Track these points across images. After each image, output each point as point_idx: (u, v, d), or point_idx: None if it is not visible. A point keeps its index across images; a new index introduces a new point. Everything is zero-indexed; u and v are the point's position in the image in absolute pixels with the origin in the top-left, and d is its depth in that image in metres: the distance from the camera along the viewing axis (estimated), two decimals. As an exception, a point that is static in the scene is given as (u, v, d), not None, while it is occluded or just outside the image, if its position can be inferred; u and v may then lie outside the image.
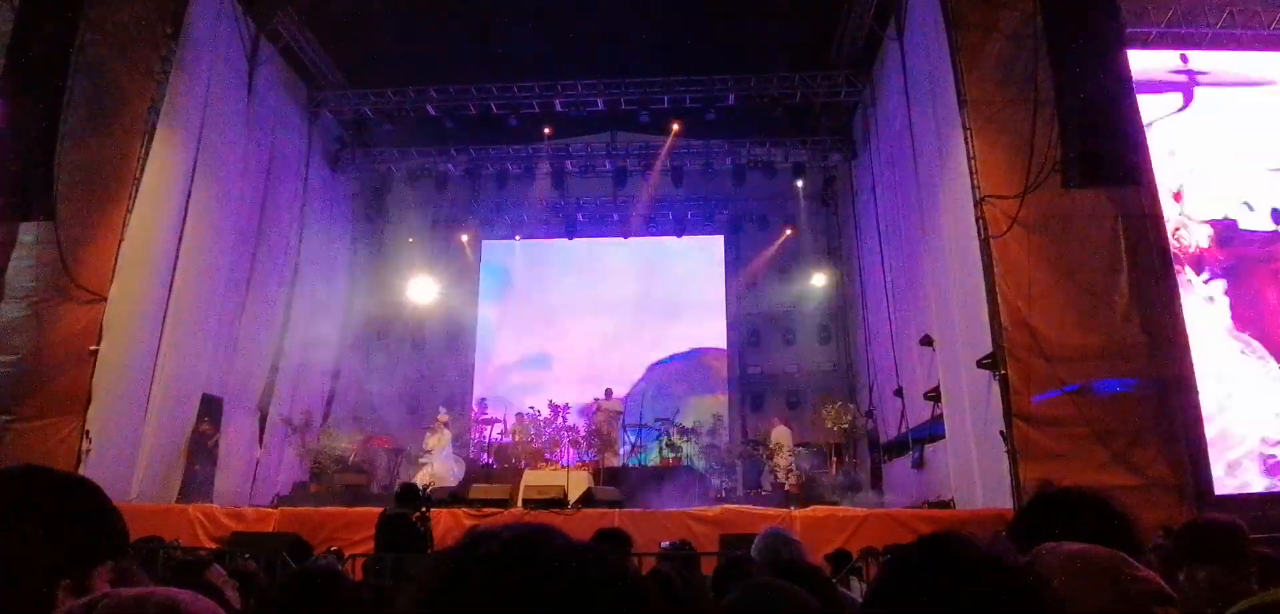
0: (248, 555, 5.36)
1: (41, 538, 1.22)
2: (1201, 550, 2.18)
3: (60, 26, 8.94)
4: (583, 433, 13.38)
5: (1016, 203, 8.76)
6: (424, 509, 6.93)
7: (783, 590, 1.42)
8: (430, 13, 13.31)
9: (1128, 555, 1.34)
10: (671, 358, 17.72)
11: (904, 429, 12.18)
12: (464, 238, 18.24)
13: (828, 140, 16.14)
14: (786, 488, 12.29)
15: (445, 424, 12.48)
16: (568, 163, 16.89)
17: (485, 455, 13.88)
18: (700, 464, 13.56)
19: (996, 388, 8.52)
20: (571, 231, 18.28)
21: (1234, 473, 8.82)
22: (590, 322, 17.87)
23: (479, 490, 9.55)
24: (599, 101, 14.84)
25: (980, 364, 8.86)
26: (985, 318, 8.72)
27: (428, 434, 12.54)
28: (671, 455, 13.44)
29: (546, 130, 15.76)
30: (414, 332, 17.94)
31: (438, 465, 11.91)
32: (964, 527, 7.42)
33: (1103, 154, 8.20)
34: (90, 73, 9.58)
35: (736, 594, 1.44)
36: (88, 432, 8.94)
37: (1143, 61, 10.06)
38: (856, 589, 5.55)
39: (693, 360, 17.78)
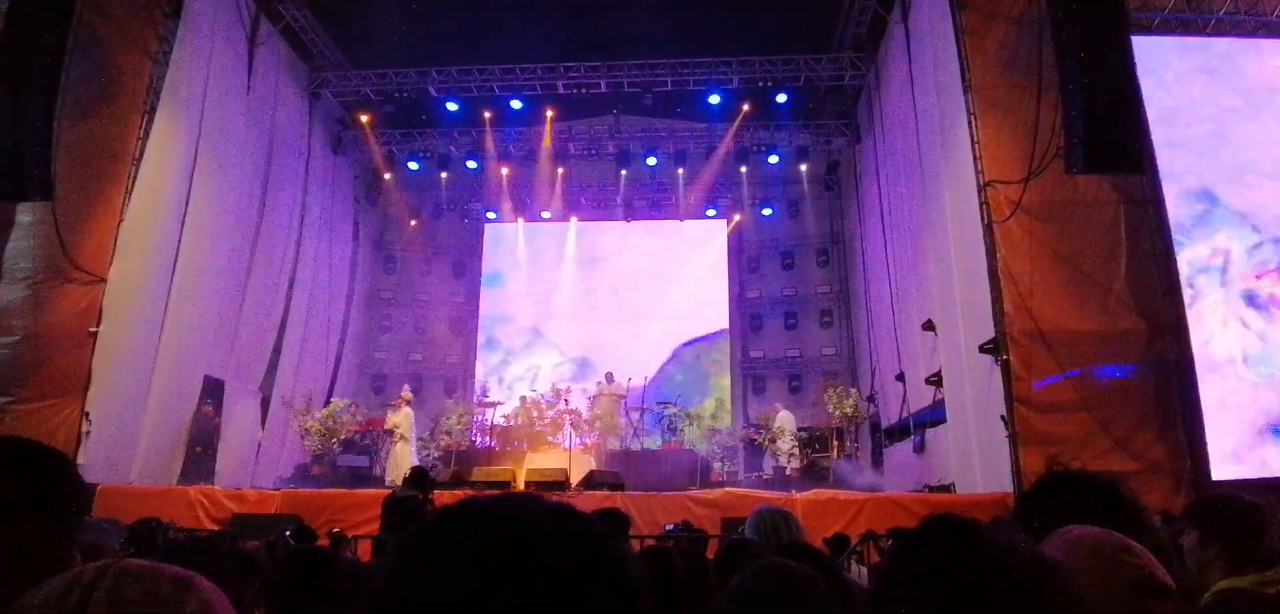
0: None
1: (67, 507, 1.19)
2: (1216, 525, 2.12)
3: (57, 4, 8.84)
4: (585, 416, 13.39)
5: (1020, 188, 8.72)
6: (427, 491, 6.93)
7: (793, 572, 1.38)
8: (432, -7, 13.23)
9: (1131, 542, 1.33)
10: (674, 341, 17.72)
11: (905, 413, 12.18)
12: (465, 220, 18.22)
13: (832, 124, 16.07)
14: (788, 472, 12.32)
15: (408, 402, 12.52)
16: (570, 145, 16.81)
17: (488, 438, 13.90)
18: (702, 448, 13.57)
19: (998, 373, 8.51)
20: (574, 215, 18.25)
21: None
22: (592, 305, 17.89)
23: (481, 472, 9.61)
24: (602, 84, 14.75)
25: (982, 349, 8.85)
26: (987, 303, 8.70)
27: (390, 412, 12.65)
28: (673, 439, 13.46)
29: (549, 112, 15.70)
30: (416, 314, 17.99)
31: (399, 448, 11.83)
32: (967, 512, 7.43)
33: (1106, 140, 8.15)
34: (87, 51, 9.48)
35: (744, 576, 1.40)
36: (88, 413, 8.93)
37: (1147, 47, 9.97)
38: (857, 573, 5.56)
39: (695, 344, 17.77)
